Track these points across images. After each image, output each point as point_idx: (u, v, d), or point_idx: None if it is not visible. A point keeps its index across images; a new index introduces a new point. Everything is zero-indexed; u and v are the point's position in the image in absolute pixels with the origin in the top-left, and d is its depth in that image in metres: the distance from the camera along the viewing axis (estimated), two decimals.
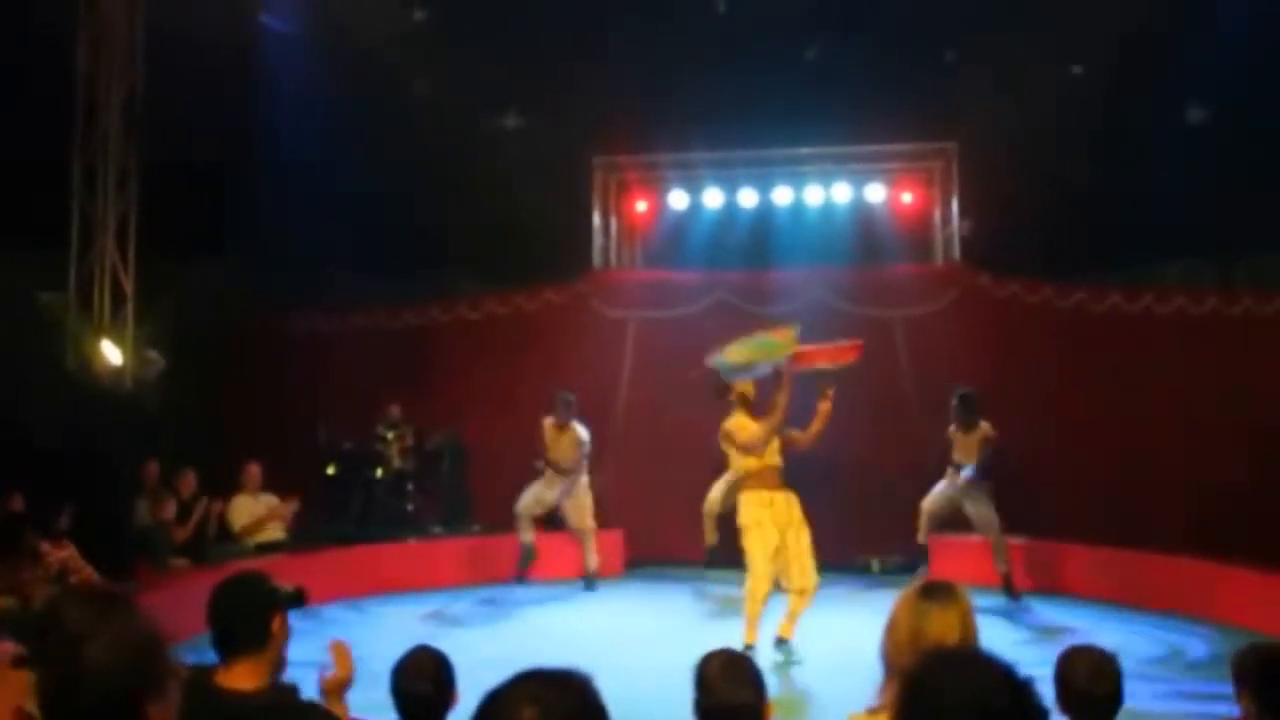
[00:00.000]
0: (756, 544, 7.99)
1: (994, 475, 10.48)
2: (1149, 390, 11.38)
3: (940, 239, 13.15)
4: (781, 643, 8.01)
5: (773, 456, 8.21)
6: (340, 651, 3.59)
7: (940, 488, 10.61)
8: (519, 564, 11.04)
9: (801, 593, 8.11)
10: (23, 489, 8.86)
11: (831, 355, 8.56)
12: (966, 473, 10.39)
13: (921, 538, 10.70)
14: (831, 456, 11.63)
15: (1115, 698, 3.28)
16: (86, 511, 8.87)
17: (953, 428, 10.55)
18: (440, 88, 12.57)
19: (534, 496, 11.01)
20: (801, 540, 8.12)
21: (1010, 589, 10.27)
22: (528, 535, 11.02)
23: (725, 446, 8.51)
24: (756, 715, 3.01)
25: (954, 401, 10.49)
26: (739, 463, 8.35)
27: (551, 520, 11.31)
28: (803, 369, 8.40)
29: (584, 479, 11.14)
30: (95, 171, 10.79)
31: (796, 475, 10.96)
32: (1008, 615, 9.67)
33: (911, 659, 2.76)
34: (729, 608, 9.92)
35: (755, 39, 12.53)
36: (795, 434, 8.30)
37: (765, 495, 8.13)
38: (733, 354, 8.21)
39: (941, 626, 2.79)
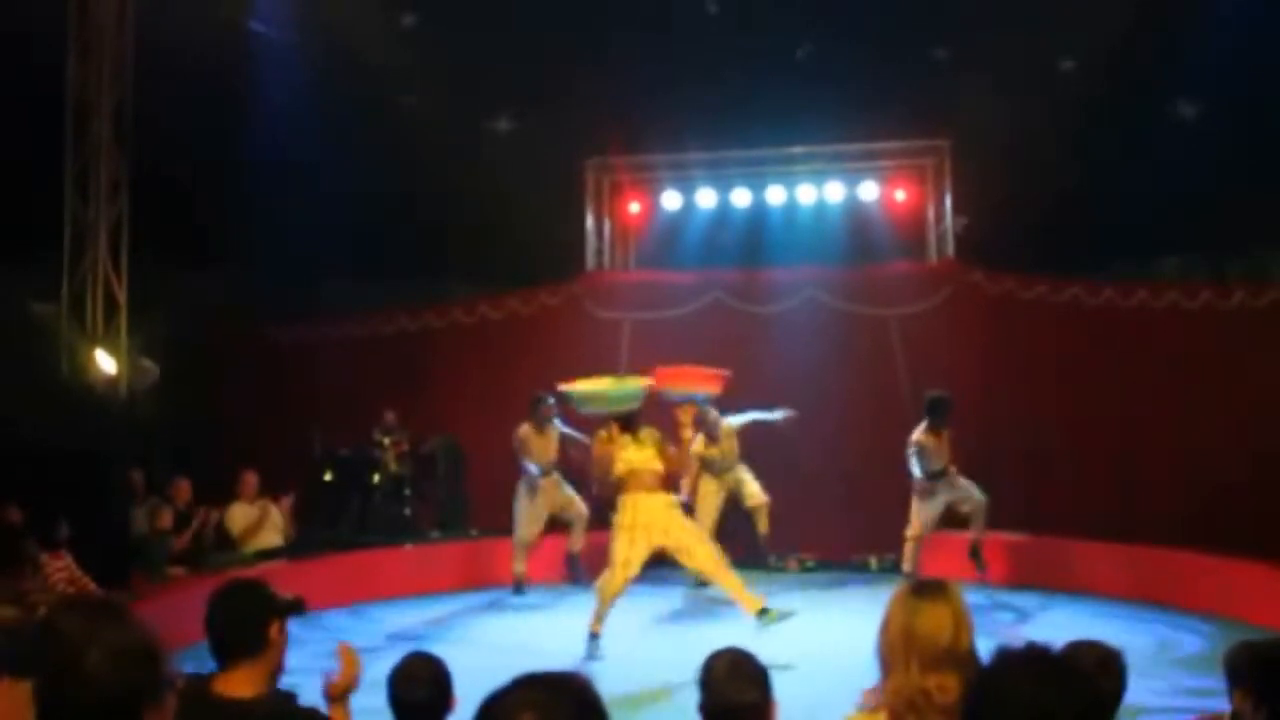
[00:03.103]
0: (619, 548, 8.32)
1: (984, 471, 10.46)
2: (1144, 384, 11.39)
3: (934, 236, 13.16)
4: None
5: (648, 462, 8.42)
6: (347, 656, 3.58)
7: (920, 509, 10.34)
8: (514, 589, 10.97)
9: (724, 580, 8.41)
10: (18, 499, 8.84)
11: (696, 380, 8.86)
12: (963, 482, 10.28)
13: (907, 566, 10.32)
14: (829, 454, 11.70)
15: (1119, 693, 3.28)
16: (83, 521, 8.84)
17: (923, 434, 10.16)
18: (432, 92, 12.57)
19: (526, 522, 10.94)
20: (683, 536, 8.42)
21: (978, 557, 10.31)
22: (521, 565, 10.96)
23: None
24: (762, 715, 3.01)
25: (926, 405, 10.20)
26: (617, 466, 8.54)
27: (549, 520, 11.26)
28: (668, 391, 8.62)
29: (556, 475, 11.04)
30: (87, 180, 10.77)
31: (795, 472, 11.03)
32: (1005, 611, 9.67)
33: (905, 655, 2.77)
34: (726, 608, 9.92)
35: (747, 39, 12.55)
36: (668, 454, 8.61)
37: (635, 498, 8.39)
38: (585, 385, 8.56)
39: (934, 624, 2.78)
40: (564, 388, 8.60)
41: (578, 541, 11.10)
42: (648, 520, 8.33)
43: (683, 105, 12.45)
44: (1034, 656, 1.97)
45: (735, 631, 7.93)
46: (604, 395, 8.48)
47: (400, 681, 3.51)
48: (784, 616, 8.16)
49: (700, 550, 8.46)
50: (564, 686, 1.69)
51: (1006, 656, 1.97)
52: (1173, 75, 11.55)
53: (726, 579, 8.44)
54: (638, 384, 8.41)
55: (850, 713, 2.96)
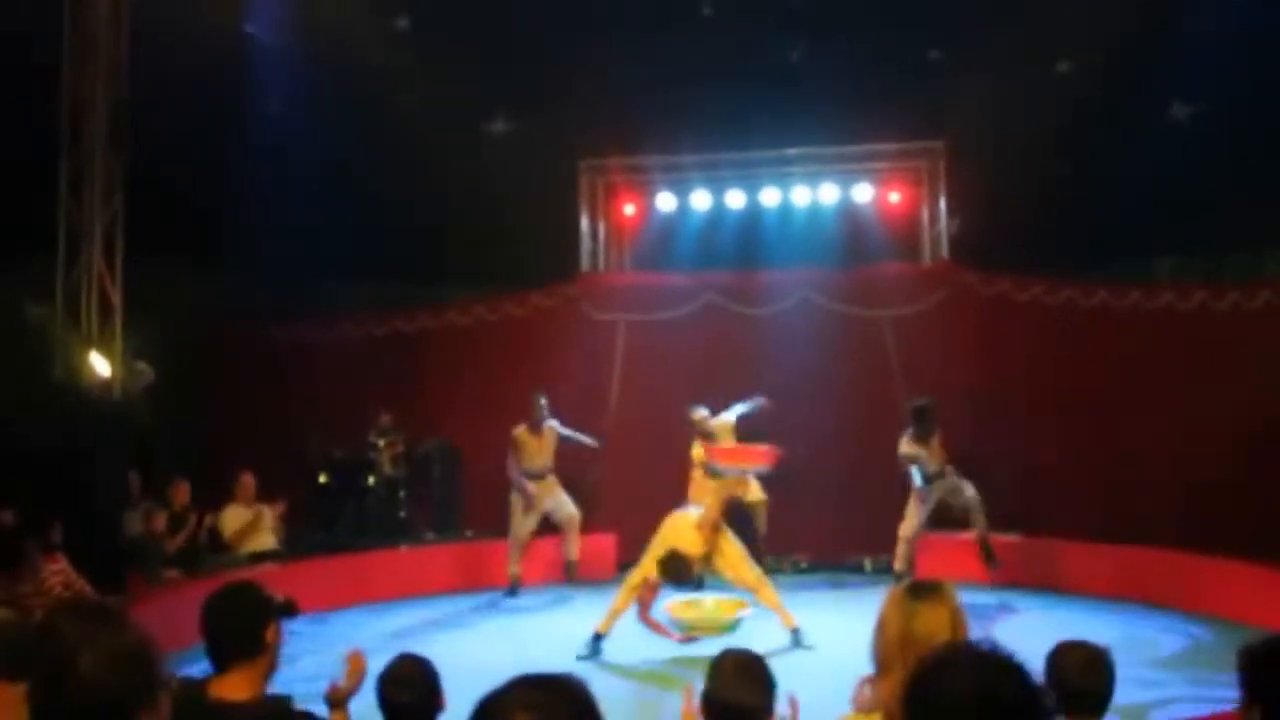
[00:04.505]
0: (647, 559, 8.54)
1: (979, 472, 10.45)
2: (1138, 385, 11.41)
3: (928, 238, 13.18)
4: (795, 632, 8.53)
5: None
6: (355, 662, 3.61)
7: (917, 510, 10.34)
8: (507, 590, 10.97)
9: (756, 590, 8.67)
10: (12, 502, 8.82)
11: (749, 457, 9.28)
12: (954, 480, 10.26)
13: (900, 566, 10.33)
14: (823, 456, 11.69)
15: (1106, 692, 3.30)
16: (77, 524, 8.82)
17: (910, 444, 10.14)
18: (427, 94, 12.55)
19: (519, 525, 10.98)
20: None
21: (989, 554, 10.21)
22: (516, 567, 10.99)
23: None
24: (762, 718, 3.02)
25: (911, 414, 10.19)
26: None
27: (544, 523, 11.26)
28: (725, 469, 9.09)
29: (551, 477, 11.07)
30: (81, 181, 10.74)
31: (788, 473, 11.02)
32: (1000, 612, 9.67)
33: (903, 656, 2.78)
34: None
35: (741, 41, 12.55)
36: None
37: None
38: (692, 614, 8.70)
39: (930, 625, 2.80)
40: (673, 613, 8.62)
41: (573, 549, 11.10)
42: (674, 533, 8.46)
43: (677, 107, 12.44)
44: (967, 648, 1.97)
45: (736, 638, 7.94)
46: (711, 624, 8.55)
47: (389, 684, 3.52)
48: (804, 645, 8.45)
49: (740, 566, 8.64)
50: (559, 688, 1.69)
51: (943, 650, 1.98)
52: (1168, 77, 11.55)
53: (766, 594, 8.64)
54: (740, 614, 8.55)
55: (847, 711, 2.96)
